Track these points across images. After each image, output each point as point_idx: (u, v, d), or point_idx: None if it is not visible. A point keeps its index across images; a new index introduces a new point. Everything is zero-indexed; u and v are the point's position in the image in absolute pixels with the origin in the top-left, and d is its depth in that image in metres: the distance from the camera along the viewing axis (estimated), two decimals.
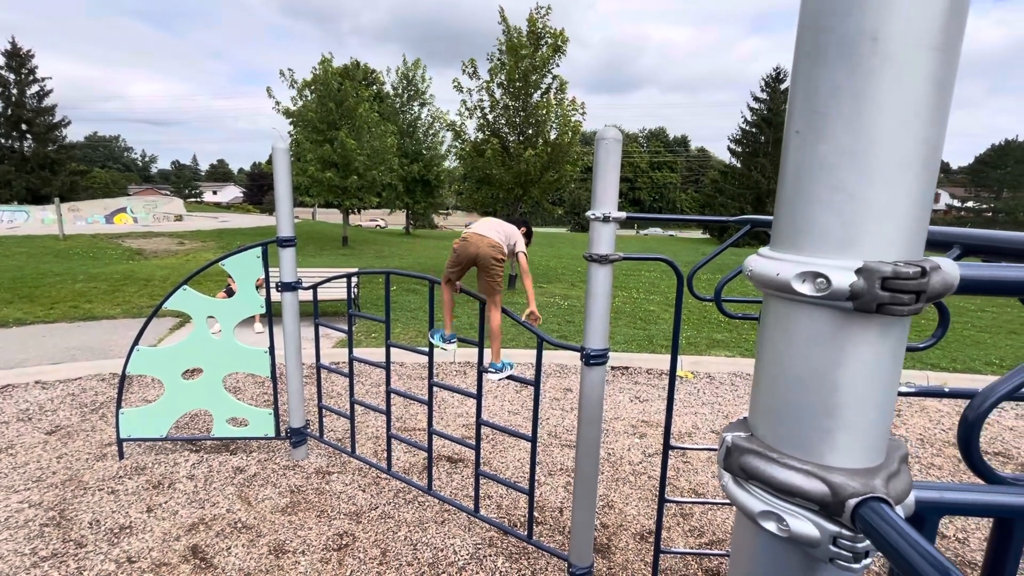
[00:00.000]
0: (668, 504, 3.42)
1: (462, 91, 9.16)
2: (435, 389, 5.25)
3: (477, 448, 2.90)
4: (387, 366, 3.24)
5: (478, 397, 2.82)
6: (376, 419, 4.54)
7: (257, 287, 3.61)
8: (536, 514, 3.27)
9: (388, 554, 2.87)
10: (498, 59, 8.83)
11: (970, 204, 50.49)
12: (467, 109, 9.12)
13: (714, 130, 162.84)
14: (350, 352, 3.40)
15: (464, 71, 9.07)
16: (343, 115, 15.31)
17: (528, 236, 2.84)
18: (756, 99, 38.63)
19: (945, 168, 73.10)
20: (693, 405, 5.07)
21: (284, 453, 3.89)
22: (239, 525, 3.08)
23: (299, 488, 3.47)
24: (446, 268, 2.82)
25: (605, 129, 2.05)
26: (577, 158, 9.22)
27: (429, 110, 24.11)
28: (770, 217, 1.86)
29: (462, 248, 2.72)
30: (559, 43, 8.71)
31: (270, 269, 3.52)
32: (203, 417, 4.43)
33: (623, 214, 2.11)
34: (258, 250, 3.48)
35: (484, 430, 4.38)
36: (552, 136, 8.70)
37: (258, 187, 72.80)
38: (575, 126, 8.74)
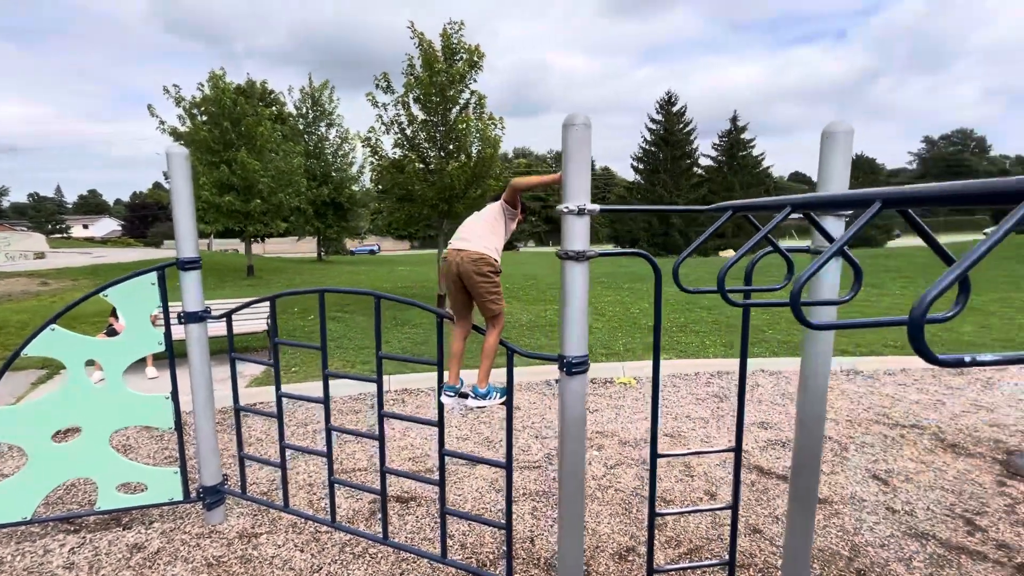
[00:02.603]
0: (640, 518, 3.28)
1: (377, 105, 8.76)
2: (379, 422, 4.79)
3: (441, 483, 2.55)
4: (326, 400, 2.79)
5: (440, 425, 2.48)
6: (306, 465, 3.97)
7: (152, 322, 3.00)
8: (506, 548, 2.96)
9: None
10: (410, 75, 8.58)
11: None
12: (383, 124, 8.72)
13: (616, 151, 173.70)
14: (277, 388, 2.90)
15: (377, 85, 8.69)
16: (241, 135, 14.09)
17: (515, 194, 2.53)
18: (653, 120, 41.72)
19: (806, 180, 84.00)
20: (643, 411, 5.04)
21: (195, 519, 3.24)
22: None
23: (219, 560, 2.87)
24: (450, 305, 2.50)
25: (574, 115, 1.89)
26: (500, 173, 9.15)
27: (338, 131, 23.13)
28: (752, 200, 1.78)
29: (445, 271, 2.41)
30: (475, 59, 8.65)
31: (168, 302, 2.94)
32: (83, 488, 3.60)
33: (597, 207, 1.94)
34: (152, 276, 2.89)
35: (434, 463, 4.00)
36: (474, 151, 8.56)
37: (140, 219, 65.65)
38: (495, 140, 8.68)
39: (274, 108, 22.07)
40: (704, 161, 42.29)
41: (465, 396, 2.45)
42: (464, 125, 8.16)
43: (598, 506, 3.39)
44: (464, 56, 8.77)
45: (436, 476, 3.36)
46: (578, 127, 1.86)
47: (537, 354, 2.36)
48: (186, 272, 2.87)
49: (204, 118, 13.76)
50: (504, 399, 2.40)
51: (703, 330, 8.14)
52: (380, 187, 10.23)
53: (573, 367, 1.99)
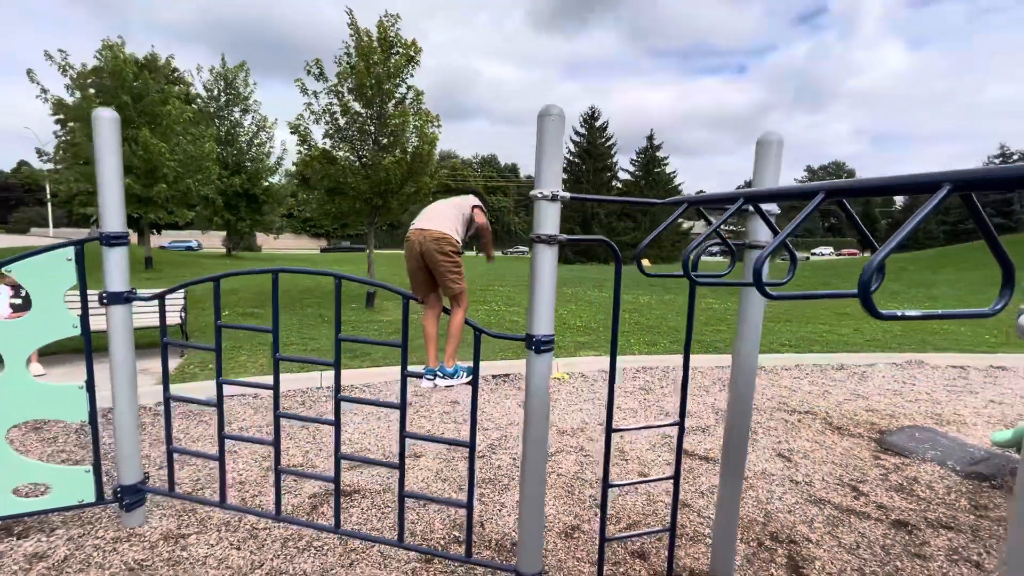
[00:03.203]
0: (582, 498, 3.45)
1: (307, 93, 8.34)
2: (307, 416, 4.55)
3: (401, 466, 2.54)
4: (275, 385, 2.66)
5: (402, 407, 2.47)
6: (235, 463, 3.72)
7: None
8: (456, 533, 2.99)
9: None
10: (347, 63, 8.28)
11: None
12: (312, 113, 8.32)
13: None
14: (219, 375, 2.71)
15: (308, 71, 8.28)
16: (143, 112, 12.73)
17: (483, 204, 2.62)
18: (577, 133, 43.46)
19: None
20: (577, 403, 5.27)
21: (108, 523, 2.92)
22: None
23: (142, 564, 2.62)
24: (412, 287, 2.48)
25: (549, 106, 2.00)
26: (435, 171, 9.09)
27: (253, 118, 21.60)
28: (707, 195, 1.99)
29: (407, 252, 2.41)
30: (412, 53, 8.55)
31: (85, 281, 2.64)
32: None
33: (567, 194, 2.07)
34: (69, 251, 2.59)
35: (375, 455, 3.94)
36: (411, 147, 8.43)
37: (0, 202, 56.78)
38: (432, 138, 8.62)
39: (179, 87, 20.19)
40: (622, 175, 44.81)
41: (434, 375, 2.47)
42: (401, 119, 8.03)
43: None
44: (401, 50, 8.65)
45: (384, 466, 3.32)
46: (553, 117, 1.98)
47: (504, 334, 2.43)
48: (112, 248, 2.61)
49: (93, 91, 12.23)
50: (471, 378, 2.45)
51: (626, 330, 8.64)
52: (305, 178, 9.75)
53: (542, 345, 2.09)
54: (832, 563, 2.85)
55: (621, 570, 2.72)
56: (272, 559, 2.69)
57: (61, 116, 13.98)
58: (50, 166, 15.74)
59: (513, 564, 2.41)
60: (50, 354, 6.06)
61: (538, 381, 2.14)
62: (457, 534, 2.99)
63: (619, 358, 6.98)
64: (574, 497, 3.43)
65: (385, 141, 8.37)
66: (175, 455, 3.73)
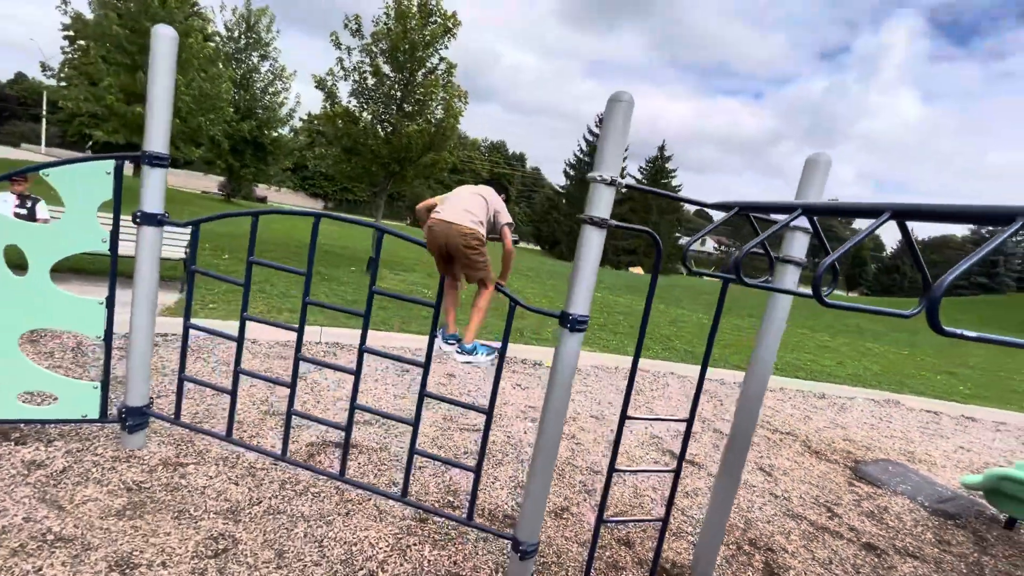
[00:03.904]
0: (572, 483, 3.54)
1: (340, 47, 8.21)
2: (307, 369, 4.58)
3: (416, 423, 2.58)
4: (300, 328, 2.67)
5: (426, 365, 2.51)
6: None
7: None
8: (450, 498, 3.05)
9: (286, 556, 2.36)
10: (384, 23, 8.16)
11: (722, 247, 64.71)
12: (344, 69, 8.19)
13: (547, 152, 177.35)
14: (244, 309, 2.72)
15: (346, 26, 8.14)
16: None
17: (507, 198, 2.62)
18: (592, 133, 43.32)
19: (708, 218, 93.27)
20: (573, 395, 5.34)
21: (108, 442, 2.93)
22: (51, 537, 2.21)
23: (140, 484, 2.64)
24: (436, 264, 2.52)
25: (620, 92, 2.03)
26: (455, 146, 9.04)
27: (272, 65, 21.15)
28: (760, 201, 2.05)
29: (429, 238, 2.42)
30: (450, 24, 8.46)
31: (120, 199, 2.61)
32: None
33: (623, 180, 2.11)
34: (109, 164, 2.57)
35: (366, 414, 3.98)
36: (435, 118, 8.37)
37: None
38: (457, 112, 8.56)
39: (198, 22, 19.69)
40: (629, 180, 44.85)
41: (457, 342, 2.51)
42: (431, 89, 7.95)
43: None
44: (439, 20, 8.55)
45: (379, 426, 3.35)
46: (624, 103, 2.01)
47: (539, 309, 2.48)
48: (153, 168, 2.59)
49: (122, 7, 11.85)
50: (492, 357, 2.51)
51: (622, 331, 8.75)
52: (321, 132, 9.60)
53: (577, 324, 2.14)
54: (805, 574, 2.97)
55: (607, 554, 2.81)
56: (270, 498, 2.73)
57: (71, 33, 13.54)
58: (53, 82, 15.30)
59: (510, 532, 2.48)
60: (70, 270, 5.97)
61: (567, 359, 2.19)
62: (451, 499, 3.05)
63: (614, 357, 7.03)
64: (565, 481, 3.52)
65: (410, 108, 8.29)
66: (174, 385, 3.74)
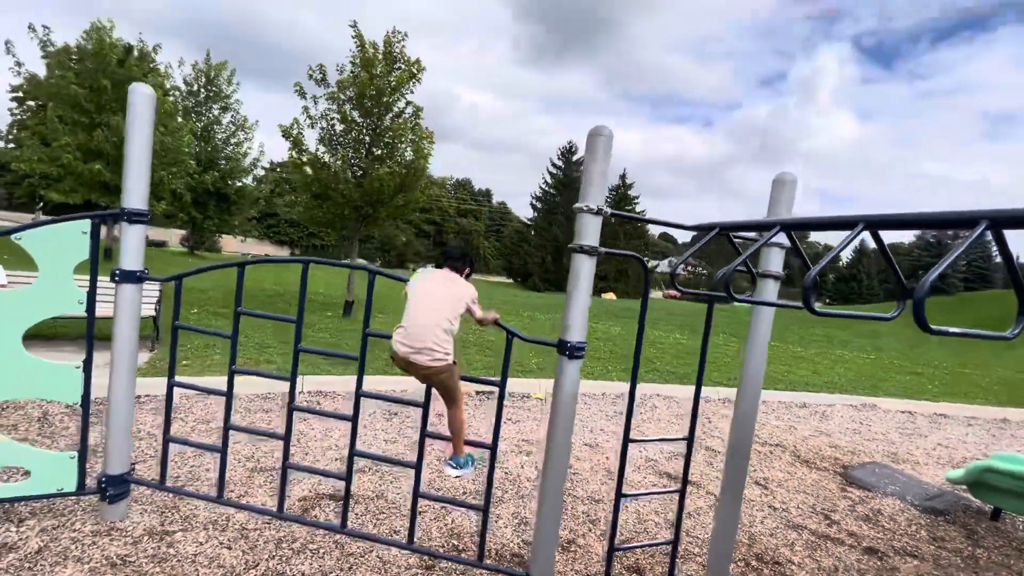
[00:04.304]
0: (576, 514, 3.49)
1: (305, 96, 8.32)
2: (298, 418, 4.41)
3: (419, 466, 2.53)
4: (292, 378, 2.61)
5: (425, 406, 2.48)
6: (216, 462, 3.56)
7: None
8: (454, 541, 2.96)
9: None
10: (350, 72, 8.35)
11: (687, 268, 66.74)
12: (310, 118, 8.27)
13: (511, 187, 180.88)
14: (232, 362, 2.65)
15: (311, 76, 8.28)
16: (120, 98, 12.30)
17: (471, 272, 2.55)
18: (554, 165, 44.63)
19: (672, 240, 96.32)
20: None
21: (86, 516, 2.74)
22: None
23: (125, 559, 2.47)
24: None
25: (600, 127, 2.14)
26: (426, 186, 9.16)
27: (233, 116, 21.16)
28: (739, 220, 2.17)
29: (405, 367, 2.44)
30: (414, 70, 8.72)
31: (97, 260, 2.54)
32: None
33: (608, 210, 2.20)
34: (85, 223, 2.51)
35: (364, 463, 3.86)
36: (404, 160, 8.49)
37: None
38: (426, 153, 8.72)
39: (156, 78, 19.64)
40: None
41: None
42: (400, 132, 8.09)
43: (536, 504, 3.53)
44: (403, 66, 8.80)
45: (373, 473, 3.28)
46: (604, 137, 2.12)
47: (537, 339, 2.50)
48: (132, 224, 2.55)
49: (75, 68, 11.71)
50: (476, 466, 2.57)
51: (603, 357, 8.82)
52: (286, 181, 9.56)
53: (576, 351, 2.18)
54: None
55: None
56: (267, 559, 2.59)
57: (20, 94, 13.27)
58: (1, 144, 14.84)
59: (522, 571, 2.42)
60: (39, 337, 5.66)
61: (568, 387, 2.21)
62: (455, 542, 2.96)
63: (599, 383, 7.06)
64: (568, 512, 3.46)
65: (379, 152, 8.40)
66: (152, 449, 3.56)
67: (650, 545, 2.75)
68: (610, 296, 38.94)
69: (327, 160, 8.38)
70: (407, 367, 2.32)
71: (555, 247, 41.67)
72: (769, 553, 3.25)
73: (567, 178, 43.60)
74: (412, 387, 5.79)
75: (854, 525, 3.78)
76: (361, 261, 9.30)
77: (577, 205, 2.16)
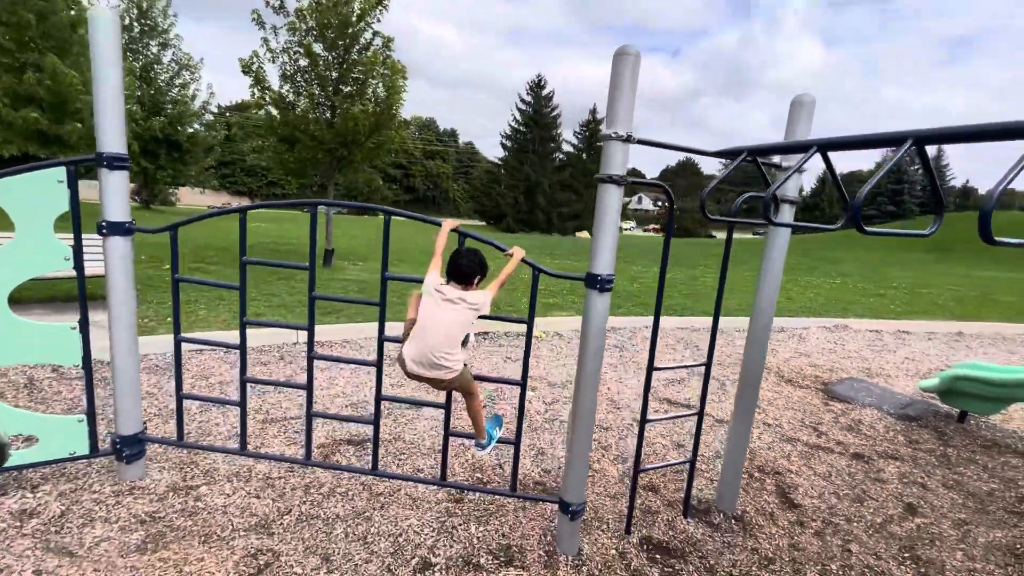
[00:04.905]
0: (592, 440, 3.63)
1: (264, 27, 7.55)
2: (298, 367, 4.30)
3: (448, 406, 2.54)
4: (310, 327, 2.52)
5: (447, 406, 2.45)
6: (225, 416, 3.52)
7: None
8: (478, 475, 3.06)
9: (332, 559, 2.29)
10: None
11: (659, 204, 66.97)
12: (270, 51, 7.55)
13: (478, 127, 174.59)
14: (242, 314, 2.53)
15: (268, 3, 7.48)
16: (47, 35, 10.95)
17: (483, 277, 2.32)
18: (523, 101, 42.94)
19: (640, 175, 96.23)
20: (559, 359, 5.44)
21: (102, 477, 2.69)
22: None
23: (153, 515, 2.46)
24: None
25: (626, 46, 2.01)
26: (400, 126, 8.67)
27: (175, 54, 19.25)
28: (768, 144, 2.12)
29: (415, 379, 2.29)
30: None
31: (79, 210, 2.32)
32: None
33: (636, 137, 2.11)
34: (60, 171, 2.27)
35: (385, 404, 3.88)
36: (377, 97, 7.94)
37: None
38: (400, 90, 8.17)
39: (80, 8, 17.52)
40: (565, 147, 45.05)
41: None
42: (370, 66, 7.51)
43: (550, 435, 3.66)
44: None
45: (387, 416, 3.31)
46: (631, 56, 1.99)
47: (563, 274, 2.47)
48: (113, 171, 2.32)
49: None
50: (502, 431, 2.57)
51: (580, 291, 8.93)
52: (254, 124, 8.90)
53: (606, 284, 2.16)
54: (812, 488, 3.24)
55: (638, 501, 2.92)
56: (299, 505, 2.62)
57: None
58: None
59: (555, 496, 2.52)
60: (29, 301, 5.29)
61: (597, 320, 2.21)
62: (479, 475, 3.06)
63: (578, 318, 7.20)
64: None
65: (349, 89, 7.83)
66: (156, 408, 3.48)
67: (670, 465, 2.90)
68: (584, 234, 39.10)
69: (292, 99, 7.77)
70: (419, 379, 2.29)
71: (527, 186, 41.01)
72: (769, 465, 3.49)
73: (537, 114, 42.18)
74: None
75: (840, 435, 4.07)
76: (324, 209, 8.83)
77: (604, 132, 2.06)
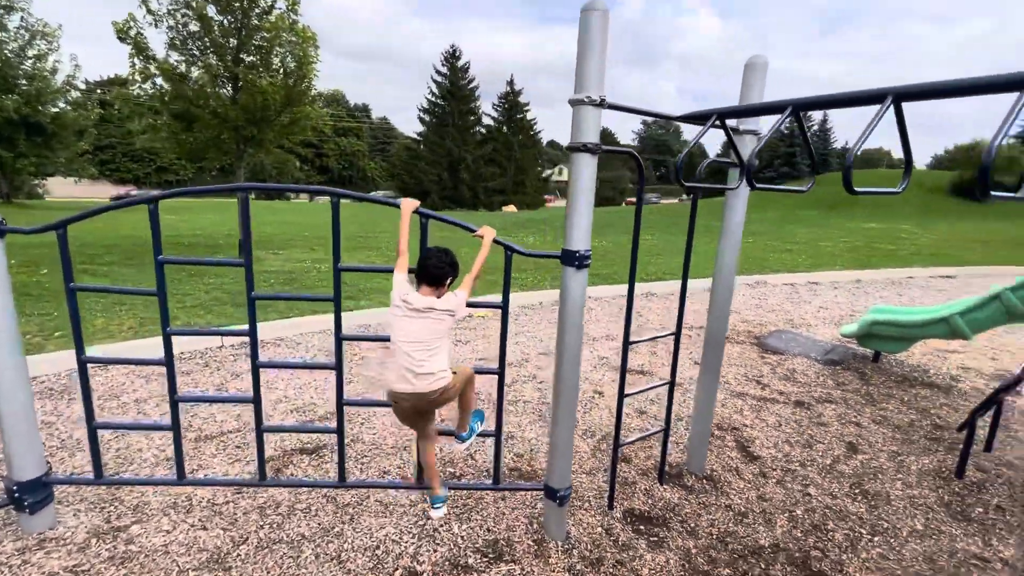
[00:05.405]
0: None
1: None
2: (229, 374, 3.92)
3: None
4: (252, 331, 2.19)
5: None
6: (150, 439, 3.07)
7: None
8: (451, 469, 2.91)
9: None
10: None
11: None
12: (150, 12, 6.46)
13: (392, 101, 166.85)
14: (165, 324, 2.14)
15: None
16: None
17: (454, 278, 2.15)
18: (439, 73, 41.47)
19: (560, 148, 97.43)
20: (514, 337, 5.35)
21: (1, 534, 2.22)
22: None
23: (76, 570, 2.07)
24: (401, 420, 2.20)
25: (593, 1, 1.85)
26: (313, 100, 7.92)
27: (24, 20, 16.28)
28: (740, 105, 2.07)
29: (397, 412, 2.13)
30: None
31: None
32: None
33: (610, 102, 1.97)
34: None
35: (326, 411, 3.59)
36: (285, 68, 7.14)
37: None
38: (311, 59, 7.40)
39: None
40: (486, 120, 44.33)
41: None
42: (274, 32, 6.72)
43: (515, 417, 3.57)
44: None
45: (333, 424, 3.10)
46: (598, 12, 1.84)
47: (538, 252, 2.32)
48: None
49: None
50: (483, 425, 2.41)
51: (530, 268, 8.89)
52: (136, 102, 7.74)
53: (584, 260, 2.04)
54: (767, 439, 3.42)
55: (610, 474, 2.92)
56: (255, 530, 2.34)
57: None
58: None
59: (541, 483, 2.43)
60: None
61: (575, 299, 2.10)
62: (451, 469, 2.91)
63: (532, 293, 7.13)
64: (547, 420, 3.55)
65: (251, 59, 6.97)
66: (57, 440, 2.96)
67: (646, 436, 2.91)
68: (511, 208, 39.08)
69: (184, 70, 6.81)
70: (404, 412, 2.18)
71: (450, 162, 40.08)
72: (727, 421, 3.64)
73: (454, 87, 40.96)
74: (370, 322, 5.40)
75: (780, 385, 4.36)
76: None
77: (575, 97, 1.90)
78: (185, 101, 6.56)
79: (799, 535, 2.50)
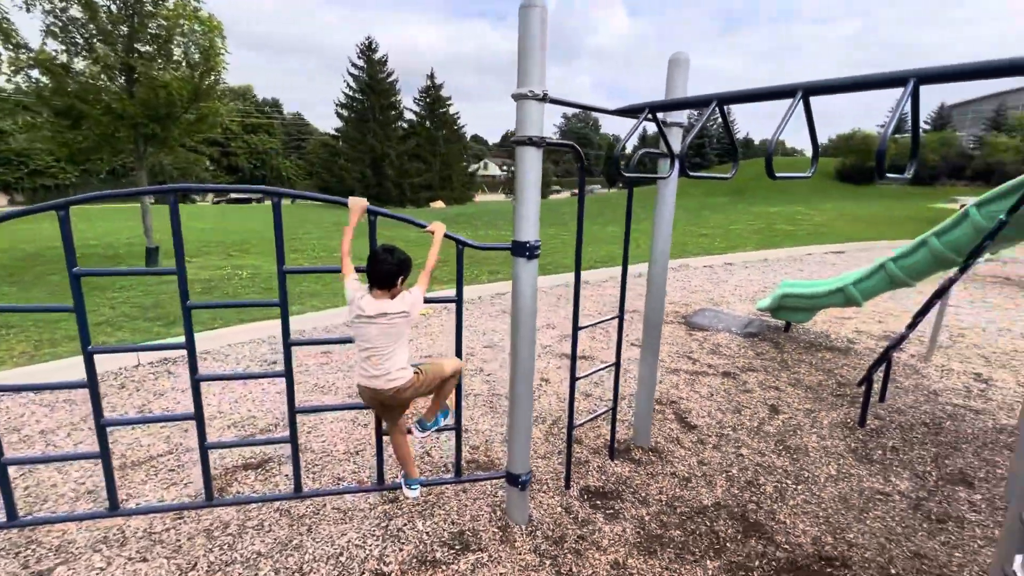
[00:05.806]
0: (503, 409, 3.65)
1: None
2: (154, 392, 3.61)
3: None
4: (190, 343, 2.03)
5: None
6: (65, 472, 2.77)
7: None
8: (398, 468, 2.88)
9: None
10: None
11: (505, 168, 68.91)
12: None
13: (304, 95, 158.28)
14: (85, 341, 1.93)
15: None
16: None
17: (406, 277, 2.08)
18: (355, 66, 39.84)
19: (484, 142, 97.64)
20: (450, 332, 5.34)
21: None
22: None
23: None
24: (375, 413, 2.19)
25: None
26: (222, 95, 7.33)
27: None
28: (669, 100, 2.22)
29: (368, 399, 2.10)
30: None
31: None
32: None
33: (551, 96, 2.04)
34: None
35: (268, 422, 3.44)
36: (189, 59, 6.53)
37: None
38: (217, 50, 6.84)
39: None
40: (408, 115, 43.25)
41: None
42: (172, 19, 6.14)
43: (468, 410, 3.60)
44: None
45: (286, 433, 3.04)
46: (538, 8, 1.90)
47: (489, 245, 2.33)
48: None
49: None
50: (447, 420, 2.40)
51: (465, 262, 8.89)
52: (4, 99, 6.78)
53: (535, 250, 2.10)
54: (702, 409, 3.70)
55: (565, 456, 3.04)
56: (204, 554, 2.20)
57: None
58: None
59: (501, 471, 2.48)
60: None
61: (527, 288, 2.17)
62: (398, 469, 2.88)
63: (471, 288, 7.15)
64: (498, 412, 3.61)
65: (147, 49, 6.32)
66: None
67: (596, 416, 3.04)
68: (439, 204, 38.60)
69: (66, 61, 6.05)
70: (373, 399, 2.15)
71: (373, 158, 38.75)
72: (665, 396, 3.90)
73: (373, 80, 39.52)
74: (340, 327, 5.13)
75: (708, 359, 4.71)
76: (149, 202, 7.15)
77: (518, 91, 1.95)
78: (68, 96, 5.82)
79: (736, 492, 2.74)
